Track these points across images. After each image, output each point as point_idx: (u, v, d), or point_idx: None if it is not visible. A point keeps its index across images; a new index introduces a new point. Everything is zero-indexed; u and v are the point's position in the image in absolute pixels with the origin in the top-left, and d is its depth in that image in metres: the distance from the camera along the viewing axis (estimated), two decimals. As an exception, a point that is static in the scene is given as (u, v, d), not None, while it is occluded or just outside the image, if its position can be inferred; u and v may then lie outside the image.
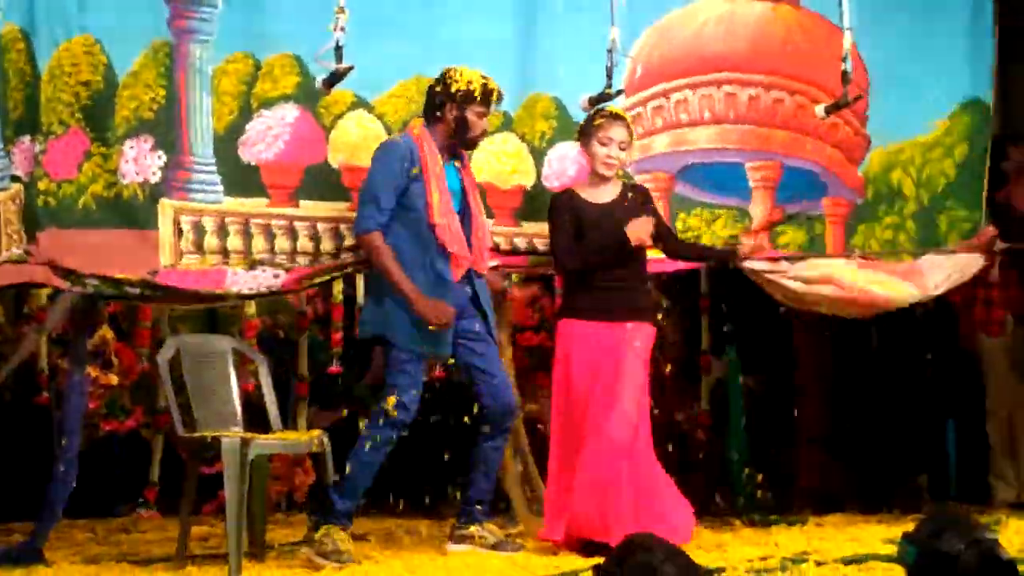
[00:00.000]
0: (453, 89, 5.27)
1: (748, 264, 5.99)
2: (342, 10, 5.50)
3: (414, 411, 5.25)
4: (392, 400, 5.19)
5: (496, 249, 5.79)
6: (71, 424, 5.28)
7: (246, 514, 5.02)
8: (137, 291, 5.32)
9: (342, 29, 5.45)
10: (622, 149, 5.46)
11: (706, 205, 6.28)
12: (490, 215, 5.77)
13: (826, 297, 6.14)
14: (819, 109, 6.21)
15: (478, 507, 5.42)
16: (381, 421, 5.19)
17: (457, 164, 5.41)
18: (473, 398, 5.49)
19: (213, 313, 7.63)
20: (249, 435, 5.12)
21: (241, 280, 5.43)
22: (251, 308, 6.74)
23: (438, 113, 5.32)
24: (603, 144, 5.44)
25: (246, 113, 5.58)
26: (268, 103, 5.60)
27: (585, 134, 5.52)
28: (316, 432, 5.39)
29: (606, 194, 5.50)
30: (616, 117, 5.48)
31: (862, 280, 6.18)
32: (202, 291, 5.40)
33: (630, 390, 5.29)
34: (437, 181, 5.24)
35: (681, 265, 5.97)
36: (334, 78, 5.57)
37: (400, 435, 5.23)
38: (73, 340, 5.64)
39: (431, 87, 5.38)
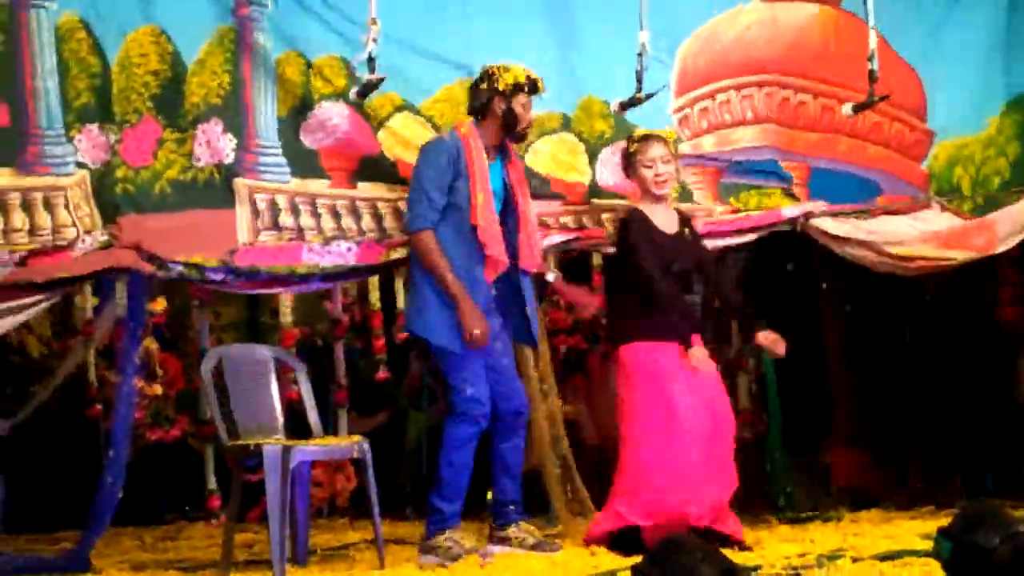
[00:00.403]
0: (498, 83, 5.35)
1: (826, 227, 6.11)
2: (374, 21, 5.60)
3: (487, 401, 5.28)
4: (462, 397, 5.24)
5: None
6: (119, 435, 5.37)
7: (289, 520, 5.10)
8: (220, 276, 5.52)
9: (374, 40, 5.55)
10: (666, 163, 5.51)
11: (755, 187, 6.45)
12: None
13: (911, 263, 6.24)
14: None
15: (511, 507, 5.44)
16: (460, 420, 5.26)
17: (504, 161, 5.46)
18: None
19: (254, 323, 7.74)
20: (290, 442, 5.20)
21: (317, 255, 5.64)
22: (288, 317, 6.82)
23: (485, 109, 5.39)
24: (647, 167, 5.50)
25: (307, 101, 5.81)
26: (325, 97, 5.83)
27: (628, 165, 5.59)
28: (356, 438, 5.46)
29: (668, 221, 5.55)
30: (647, 138, 5.56)
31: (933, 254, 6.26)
32: (281, 269, 5.62)
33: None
34: (482, 182, 5.29)
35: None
36: (367, 88, 5.66)
37: (482, 428, 5.28)
38: (120, 351, 5.74)
39: (475, 84, 5.47)
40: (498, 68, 5.41)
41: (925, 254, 6.29)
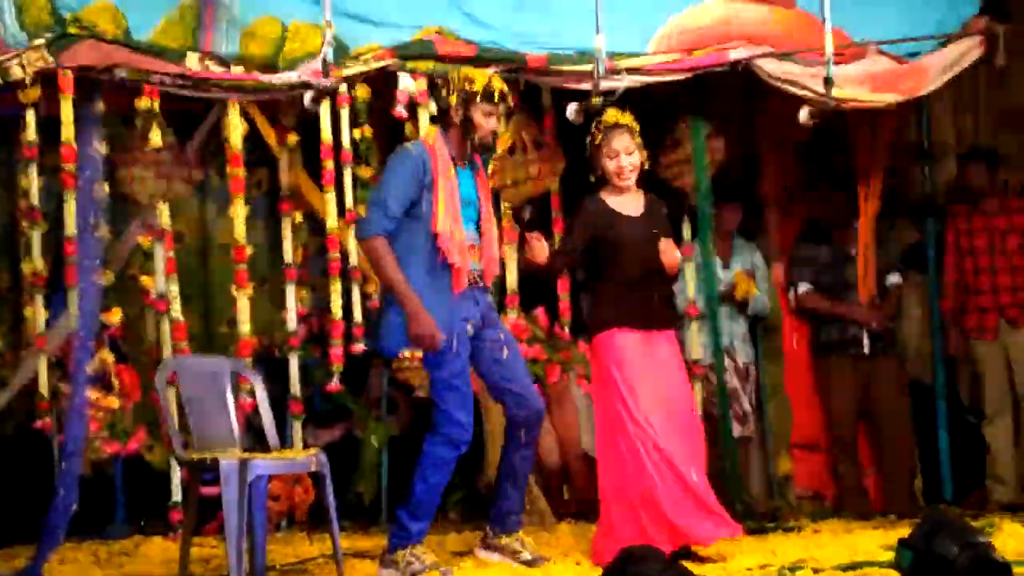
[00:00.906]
0: (456, 91, 5.27)
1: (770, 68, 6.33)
2: (329, 24, 5.56)
3: (471, 426, 5.22)
4: (448, 420, 5.16)
5: None
6: (71, 448, 5.31)
7: (246, 534, 5.05)
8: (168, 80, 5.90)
9: (329, 43, 5.52)
10: (629, 155, 5.46)
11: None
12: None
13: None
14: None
15: (512, 517, 5.38)
16: (439, 441, 5.18)
17: (473, 170, 5.38)
18: (503, 408, 5.42)
19: (210, 334, 7.68)
20: (247, 455, 5.15)
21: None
22: (246, 327, 6.77)
23: (447, 118, 5.32)
24: (611, 157, 5.46)
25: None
26: (295, 61, 6.10)
27: (593, 151, 5.52)
28: (314, 451, 5.41)
29: (632, 205, 5.51)
30: (615, 126, 5.48)
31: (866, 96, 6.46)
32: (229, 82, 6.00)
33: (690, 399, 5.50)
34: (446, 189, 5.19)
35: None
36: (320, 95, 5.62)
37: (461, 453, 5.21)
38: (72, 364, 5.67)
39: (437, 92, 5.41)
40: (458, 73, 5.34)
41: (859, 96, 6.43)
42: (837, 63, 6.24)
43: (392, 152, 5.39)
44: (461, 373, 5.20)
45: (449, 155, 5.25)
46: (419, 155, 5.22)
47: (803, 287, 7.00)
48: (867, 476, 7.05)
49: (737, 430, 6.80)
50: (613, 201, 5.50)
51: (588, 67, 6.22)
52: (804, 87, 6.34)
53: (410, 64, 6.27)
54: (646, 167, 5.57)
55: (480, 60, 6.20)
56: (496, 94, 5.27)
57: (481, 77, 5.30)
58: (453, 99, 5.25)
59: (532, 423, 5.35)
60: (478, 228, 5.35)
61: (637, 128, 5.52)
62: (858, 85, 6.43)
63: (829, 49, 6.06)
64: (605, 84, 6.19)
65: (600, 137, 5.47)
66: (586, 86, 6.26)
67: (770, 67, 6.43)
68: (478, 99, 5.24)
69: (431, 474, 5.17)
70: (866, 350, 6.94)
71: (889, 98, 6.48)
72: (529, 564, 5.26)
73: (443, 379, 5.17)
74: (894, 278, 7.07)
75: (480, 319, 5.30)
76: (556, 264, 5.53)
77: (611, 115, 5.54)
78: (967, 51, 6.54)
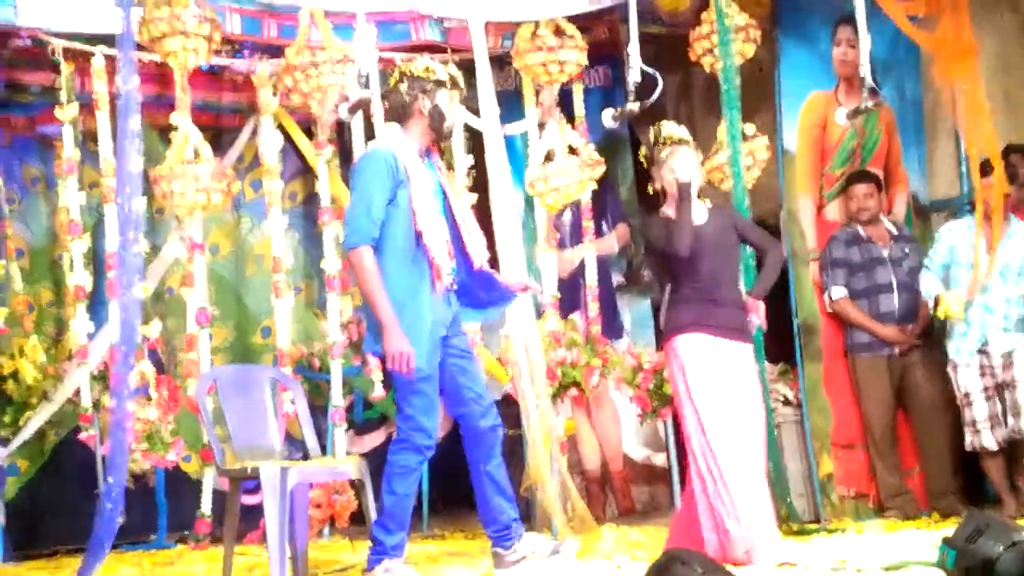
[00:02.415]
0: (419, 82, 5.16)
1: None
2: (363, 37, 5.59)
3: (436, 432, 5.11)
4: (410, 425, 5.06)
5: None
6: (115, 460, 5.34)
7: (288, 542, 5.07)
8: None
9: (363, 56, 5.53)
10: (695, 171, 5.37)
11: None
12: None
13: None
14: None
15: (512, 527, 5.24)
16: (404, 448, 5.07)
17: (434, 162, 5.26)
18: (459, 420, 5.26)
19: (245, 344, 7.74)
20: (288, 463, 5.17)
21: None
22: (285, 338, 6.81)
23: (409, 110, 5.17)
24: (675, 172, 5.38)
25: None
26: None
27: (655, 164, 5.44)
28: (354, 458, 5.43)
29: (698, 215, 5.38)
30: (680, 143, 5.40)
31: None
32: None
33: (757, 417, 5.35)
34: (420, 185, 5.08)
35: None
36: (356, 107, 5.63)
37: (426, 459, 5.10)
38: (113, 376, 5.71)
39: (395, 87, 5.24)
40: (415, 65, 5.23)
41: None
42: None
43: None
44: (428, 378, 5.05)
45: (414, 149, 5.16)
46: (388, 154, 5.08)
47: (836, 292, 6.95)
48: (909, 475, 7.00)
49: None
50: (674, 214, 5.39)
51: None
52: None
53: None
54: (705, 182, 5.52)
55: None
56: (458, 80, 5.21)
57: (438, 65, 5.23)
58: (416, 91, 5.13)
59: (493, 434, 5.21)
60: (451, 220, 5.22)
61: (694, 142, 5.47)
62: None
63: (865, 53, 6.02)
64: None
65: (664, 151, 5.39)
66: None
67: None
68: (442, 86, 5.16)
69: (398, 483, 5.04)
70: (898, 349, 6.90)
71: None
72: (556, 552, 5.17)
73: (410, 384, 5.02)
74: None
75: (450, 322, 5.19)
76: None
77: (673, 132, 5.46)
78: None
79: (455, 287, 5.20)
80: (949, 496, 6.78)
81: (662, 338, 5.48)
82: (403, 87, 5.18)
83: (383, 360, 5.08)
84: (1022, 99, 7.23)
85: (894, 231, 7.04)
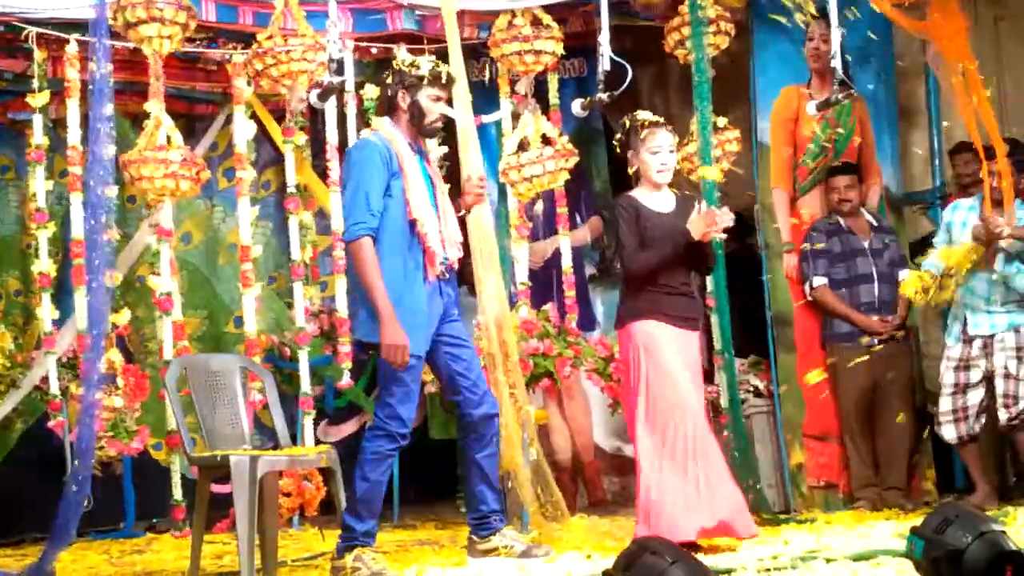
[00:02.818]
0: (402, 76, 5.18)
1: None
2: (335, 23, 5.56)
3: (412, 422, 5.12)
4: (386, 412, 5.07)
5: None
6: (83, 446, 5.31)
7: (257, 531, 5.05)
8: None
9: (334, 42, 5.50)
10: (671, 153, 5.43)
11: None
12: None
13: None
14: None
15: (493, 517, 5.29)
16: (379, 435, 5.08)
17: (422, 156, 5.26)
18: (455, 406, 5.30)
19: (217, 334, 7.71)
20: (257, 452, 5.14)
21: None
22: (253, 327, 6.78)
23: (394, 104, 5.20)
24: (654, 153, 5.40)
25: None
26: None
27: (631, 146, 5.46)
28: (324, 447, 5.40)
29: (665, 203, 5.47)
30: (659, 124, 5.44)
31: None
32: None
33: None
34: (413, 176, 5.10)
35: None
36: (327, 92, 5.60)
37: (400, 447, 5.11)
38: (83, 364, 5.68)
39: (383, 80, 5.28)
40: (402, 62, 5.25)
41: None
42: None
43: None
44: (413, 368, 5.04)
45: (405, 141, 5.17)
46: (383, 145, 5.10)
47: (817, 280, 6.97)
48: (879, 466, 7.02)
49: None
50: (645, 198, 5.46)
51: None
52: None
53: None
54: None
55: None
56: (441, 77, 5.21)
57: (424, 62, 5.23)
58: (398, 86, 5.16)
59: (489, 423, 5.24)
60: (436, 212, 5.20)
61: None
62: None
63: (836, 43, 6.02)
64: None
65: (644, 132, 5.41)
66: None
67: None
68: (424, 84, 5.18)
69: (371, 470, 5.04)
70: (876, 341, 6.92)
71: None
72: (525, 555, 5.21)
73: (393, 373, 5.02)
74: (904, 274, 6.99)
75: (443, 312, 5.20)
76: (641, 264, 5.39)
77: (648, 115, 5.50)
78: None
79: (447, 276, 5.21)
80: (898, 489, 6.81)
81: (618, 323, 5.50)
82: (389, 80, 5.23)
83: (375, 349, 5.06)
84: (996, 91, 7.24)
85: (874, 222, 7.06)
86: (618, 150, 5.59)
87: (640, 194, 5.48)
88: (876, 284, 6.93)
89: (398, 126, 5.20)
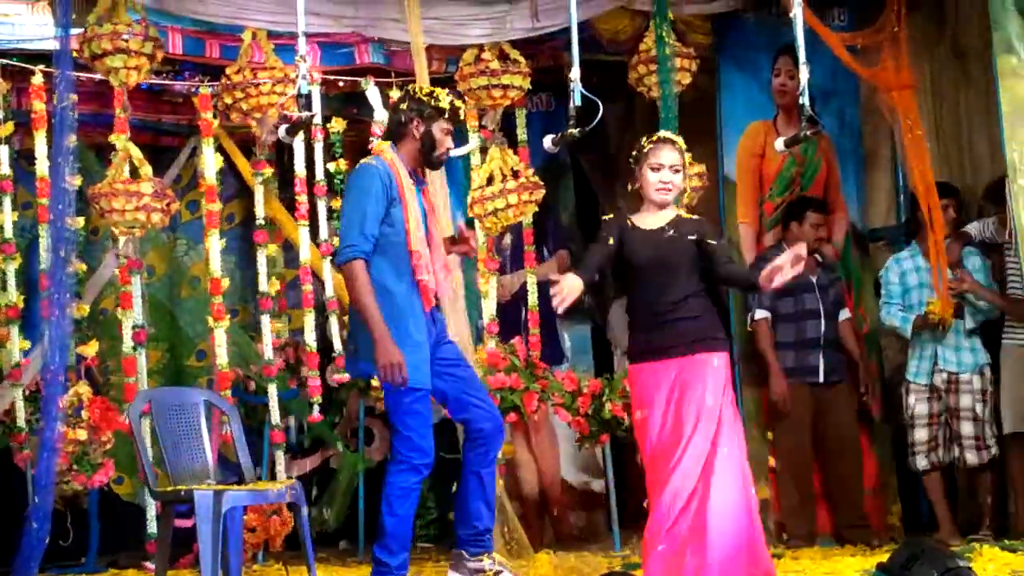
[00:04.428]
0: (420, 105, 5.21)
1: None
2: (303, 58, 5.56)
3: (432, 451, 5.11)
4: (406, 445, 5.06)
5: None
6: (43, 481, 5.26)
7: (221, 566, 5.01)
8: None
9: (303, 77, 5.50)
10: (675, 172, 5.18)
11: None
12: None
13: None
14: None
15: (486, 536, 5.25)
16: (402, 469, 5.07)
17: (420, 186, 5.29)
18: (462, 424, 5.32)
19: (178, 367, 7.66)
20: (222, 487, 5.11)
21: None
22: (223, 360, 6.74)
23: (403, 131, 5.22)
24: (654, 169, 5.17)
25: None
26: None
27: (636, 161, 5.27)
28: (289, 481, 5.37)
29: (660, 220, 5.19)
30: (666, 140, 5.26)
31: None
32: None
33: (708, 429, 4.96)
34: (412, 206, 5.12)
35: None
36: (296, 127, 5.60)
37: (423, 477, 5.10)
38: (44, 396, 5.63)
39: (395, 105, 5.30)
40: (420, 90, 5.29)
41: None
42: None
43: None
44: (423, 396, 5.09)
45: (406, 170, 5.20)
46: (384, 171, 5.12)
47: (759, 313, 6.98)
48: (816, 502, 7.02)
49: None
50: (638, 216, 5.23)
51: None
52: None
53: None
54: (686, 193, 5.41)
55: None
56: (459, 113, 5.27)
57: (443, 95, 5.26)
58: (413, 114, 5.19)
59: (497, 436, 5.26)
60: (429, 242, 5.23)
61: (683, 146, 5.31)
62: None
63: (804, 79, 6.06)
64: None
65: (648, 147, 5.21)
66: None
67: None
68: (441, 116, 5.22)
69: (398, 505, 5.05)
70: (821, 378, 6.95)
71: None
72: None
73: (404, 403, 5.06)
74: (844, 314, 7.08)
75: (438, 337, 5.23)
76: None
77: (661, 132, 5.40)
78: None
79: (436, 302, 5.25)
80: (859, 527, 6.82)
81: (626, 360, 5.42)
82: (403, 106, 5.25)
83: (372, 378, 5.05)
84: (953, 130, 7.34)
85: (819, 259, 7.10)
86: (631, 163, 5.34)
87: (637, 212, 5.27)
88: (823, 320, 6.97)
89: (401, 153, 5.21)
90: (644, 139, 5.30)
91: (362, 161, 5.25)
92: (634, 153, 5.29)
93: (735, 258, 5.56)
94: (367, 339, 5.02)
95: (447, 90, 5.36)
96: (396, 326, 5.01)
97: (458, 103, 5.29)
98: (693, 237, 5.13)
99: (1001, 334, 6.74)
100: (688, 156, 6.82)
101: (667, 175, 5.17)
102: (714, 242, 5.19)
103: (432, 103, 5.21)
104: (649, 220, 5.19)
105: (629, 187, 5.35)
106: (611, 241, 5.14)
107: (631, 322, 5.25)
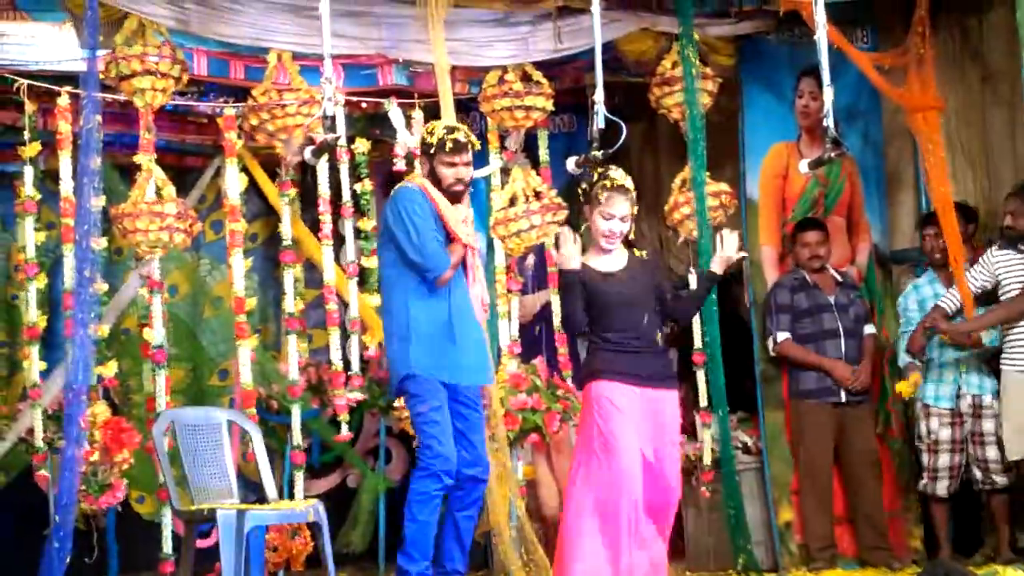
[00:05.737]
0: (422, 143, 5.33)
1: None
2: (329, 80, 5.58)
3: (453, 459, 5.16)
4: (430, 453, 5.11)
5: None
6: (65, 500, 5.27)
7: (243, 586, 5.01)
8: None
9: (329, 99, 5.53)
10: (623, 222, 5.36)
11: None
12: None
13: None
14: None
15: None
16: (424, 476, 5.12)
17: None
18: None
19: (200, 387, 7.67)
20: (244, 506, 5.11)
21: None
22: (248, 379, 6.75)
23: (422, 169, 5.37)
24: (605, 218, 5.33)
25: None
26: None
27: (589, 203, 5.40)
28: (311, 501, 5.38)
29: (613, 262, 5.38)
30: (620, 189, 5.35)
31: None
32: None
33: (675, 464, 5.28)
34: (451, 212, 5.25)
35: None
36: (321, 150, 5.63)
37: (446, 486, 5.15)
38: (66, 416, 5.64)
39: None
40: (425, 127, 5.40)
41: None
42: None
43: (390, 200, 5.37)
44: (441, 408, 5.17)
45: (439, 192, 5.30)
46: (418, 191, 5.26)
47: (780, 336, 6.97)
48: (838, 524, 6.98)
49: None
50: (592, 259, 5.40)
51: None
52: None
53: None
54: (631, 236, 5.49)
55: None
56: (452, 145, 5.28)
57: (439, 129, 5.33)
58: (419, 151, 5.34)
59: (476, 485, 5.29)
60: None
61: (634, 193, 5.43)
62: None
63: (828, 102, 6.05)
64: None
65: (604, 195, 5.34)
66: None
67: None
68: (440, 150, 5.28)
69: (419, 511, 5.10)
70: (843, 398, 6.92)
71: None
72: None
73: (424, 414, 5.15)
74: (869, 328, 7.04)
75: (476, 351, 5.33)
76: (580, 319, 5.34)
77: (617, 177, 5.42)
78: None
79: None
80: (881, 549, 6.78)
81: (579, 383, 5.47)
82: (417, 144, 5.43)
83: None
84: (979, 152, 7.31)
85: (839, 278, 7.08)
86: (580, 198, 5.52)
87: (588, 256, 5.41)
88: (843, 339, 6.95)
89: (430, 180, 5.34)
90: (599, 180, 5.38)
91: (398, 186, 5.36)
92: (587, 189, 5.40)
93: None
94: (393, 359, 5.13)
95: (444, 122, 5.45)
96: (443, 334, 5.19)
97: (455, 135, 5.30)
98: (651, 280, 5.38)
99: (1000, 360, 6.61)
100: (708, 176, 6.88)
101: (616, 225, 5.33)
102: (666, 283, 5.51)
103: (427, 139, 5.32)
104: (604, 262, 5.38)
105: (580, 224, 5.53)
106: (580, 287, 5.30)
107: (600, 345, 5.32)
